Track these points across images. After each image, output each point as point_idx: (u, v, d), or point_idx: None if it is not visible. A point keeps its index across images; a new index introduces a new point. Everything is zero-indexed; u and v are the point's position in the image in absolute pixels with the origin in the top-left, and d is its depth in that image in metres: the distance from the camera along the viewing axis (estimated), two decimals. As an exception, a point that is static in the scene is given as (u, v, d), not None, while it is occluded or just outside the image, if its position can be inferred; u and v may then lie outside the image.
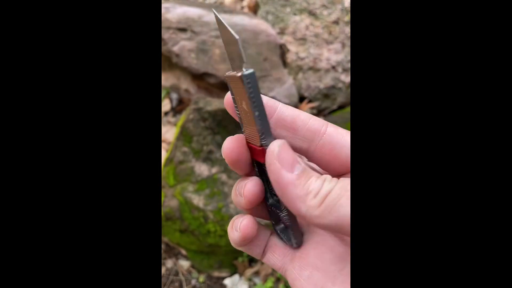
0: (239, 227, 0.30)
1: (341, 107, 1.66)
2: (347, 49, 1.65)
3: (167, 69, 1.67)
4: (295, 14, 1.69)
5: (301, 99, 1.64)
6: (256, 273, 1.37)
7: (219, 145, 1.28)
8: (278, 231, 0.33)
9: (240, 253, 1.34)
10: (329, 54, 1.65)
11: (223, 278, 1.38)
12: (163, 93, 1.70)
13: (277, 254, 0.32)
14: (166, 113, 1.70)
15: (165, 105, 1.71)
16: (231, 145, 0.29)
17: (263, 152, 0.28)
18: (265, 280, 1.34)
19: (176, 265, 1.41)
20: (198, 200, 1.24)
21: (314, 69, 1.65)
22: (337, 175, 0.30)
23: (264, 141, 0.28)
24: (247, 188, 0.30)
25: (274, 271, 1.34)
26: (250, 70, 0.27)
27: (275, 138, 0.28)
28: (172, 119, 1.68)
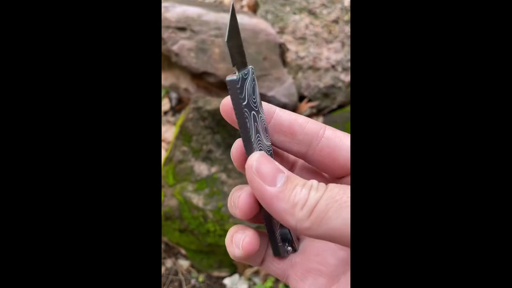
0: (241, 245, 0.28)
1: (340, 106, 1.66)
2: (347, 48, 1.65)
3: (166, 68, 1.66)
4: (294, 13, 1.69)
5: (301, 98, 1.64)
6: (256, 273, 1.37)
7: (219, 145, 1.28)
8: (276, 240, 0.31)
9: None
10: (329, 53, 1.65)
11: (223, 277, 1.38)
12: (162, 93, 1.70)
13: (276, 261, 0.31)
14: (165, 113, 1.70)
15: (164, 105, 1.70)
16: (240, 148, 0.28)
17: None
18: (264, 279, 1.34)
19: (175, 264, 1.41)
20: (197, 200, 1.24)
21: (313, 68, 1.64)
22: (336, 178, 0.30)
23: (247, 153, 0.27)
24: (241, 199, 0.28)
25: (273, 271, 1.33)
26: (233, 77, 0.25)
27: (259, 149, 0.27)
28: (171, 119, 1.68)
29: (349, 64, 1.63)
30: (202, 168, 1.27)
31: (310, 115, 1.57)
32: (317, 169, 0.31)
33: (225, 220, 1.23)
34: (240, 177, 1.26)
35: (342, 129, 0.38)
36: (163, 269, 1.40)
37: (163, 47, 1.54)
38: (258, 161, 0.26)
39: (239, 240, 0.29)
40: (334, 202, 0.24)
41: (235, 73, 0.26)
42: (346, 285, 0.27)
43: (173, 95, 1.71)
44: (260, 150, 0.27)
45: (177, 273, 1.39)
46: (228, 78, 0.25)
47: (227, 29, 0.25)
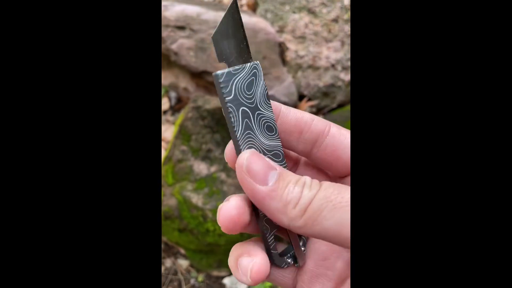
0: (250, 276, 0.26)
1: (340, 105, 1.66)
2: (347, 47, 1.65)
3: (165, 68, 1.66)
4: (294, 12, 1.69)
5: (301, 97, 1.63)
6: (255, 272, 1.37)
7: (218, 144, 1.28)
8: (279, 256, 0.30)
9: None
10: (329, 52, 1.64)
11: (222, 277, 1.38)
12: (161, 92, 1.70)
13: (285, 272, 0.30)
14: (164, 112, 1.70)
15: (164, 104, 1.70)
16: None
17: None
18: (264, 279, 1.34)
19: (175, 264, 1.41)
20: (197, 199, 1.24)
21: (313, 67, 1.64)
22: (340, 176, 0.30)
23: (236, 150, 0.27)
24: (221, 213, 0.26)
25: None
26: (217, 72, 0.26)
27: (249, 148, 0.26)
28: (170, 118, 1.68)
29: (348, 63, 1.63)
30: (201, 168, 1.27)
31: (309, 114, 1.56)
32: (321, 168, 0.30)
33: (224, 220, 1.22)
34: (240, 177, 1.26)
35: (342, 128, 0.37)
36: (162, 268, 1.40)
37: (162, 46, 1.54)
38: (249, 160, 0.25)
39: (246, 269, 0.27)
40: (329, 202, 0.23)
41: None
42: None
43: (172, 94, 1.70)
44: (250, 148, 0.27)
45: (177, 273, 1.39)
46: (214, 73, 0.26)
47: (217, 25, 0.25)
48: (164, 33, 1.52)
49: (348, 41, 1.65)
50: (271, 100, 0.28)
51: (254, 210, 0.28)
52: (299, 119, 0.29)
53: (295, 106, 1.57)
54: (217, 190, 1.25)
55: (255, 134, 0.27)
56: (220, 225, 0.27)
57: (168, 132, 1.60)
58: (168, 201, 1.27)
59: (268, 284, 1.30)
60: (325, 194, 0.24)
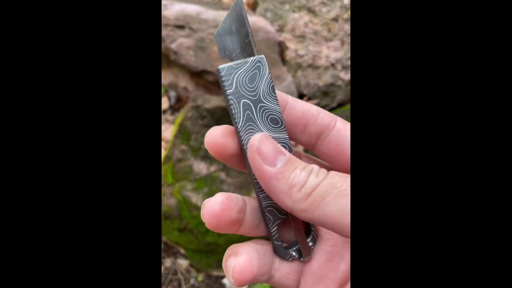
0: (231, 275, 0.26)
1: (340, 104, 1.66)
2: (347, 47, 1.64)
3: (165, 67, 1.66)
4: (294, 11, 1.68)
5: (300, 96, 1.63)
6: (255, 272, 1.37)
7: (218, 143, 1.27)
8: (283, 248, 0.30)
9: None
10: (328, 51, 1.64)
11: (222, 277, 1.37)
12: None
13: (287, 273, 0.29)
14: (164, 111, 1.69)
15: (163, 103, 1.70)
16: (214, 134, 0.27)
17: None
18: (264, 279, 1.34)
19: (174, 264, 1.41)
20: (196, 199, 1.23)
21: (313, 66, 1.64)
22: (343, 170, 0.30)
23: (238, 140, 0.28)
24: (205, 208, 0.26)
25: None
26: (219, 67, 0.27)
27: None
28: (170, 117, 1.68)
29: (348, 63, 1.63)
30: (201, 167, 1.27)
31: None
32: (324, 162, 0.30)
33: (224, 219, 1.22)
34: (240, 176, 1.26)
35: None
36: (162, 268, 1.39)
37: (162, 45, 1.53)
38: (260, 140, 0.26)
39: (229, 268, 0.26)
40: (334, 189, 0.23)
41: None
42: None
43: (172, 93, 1.70)
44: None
45: (176, 273, 1.38)
46: (217, 67, 0.28)
47: (221, 22, 0.27)
48: (164, 32, 1.52)
49: (348, 40, 1.64)
50: (277, 91, 0.29)
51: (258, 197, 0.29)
52: (305, 111, 0.29)
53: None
54: (217, 189, 1.25)
55: (257, 126, 0.28)
56: (204, 221, 0.26)
57: (167, 131, 1.60)
58: (168, 201, 1.26)
59: (267, 286, 1.30)
60: (332, 181, 0.24)
